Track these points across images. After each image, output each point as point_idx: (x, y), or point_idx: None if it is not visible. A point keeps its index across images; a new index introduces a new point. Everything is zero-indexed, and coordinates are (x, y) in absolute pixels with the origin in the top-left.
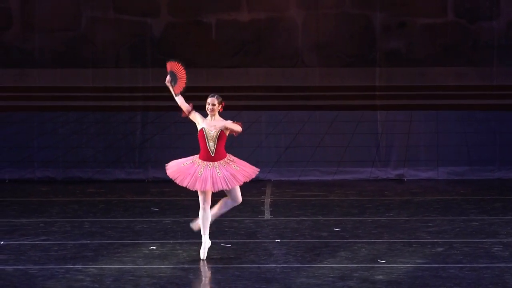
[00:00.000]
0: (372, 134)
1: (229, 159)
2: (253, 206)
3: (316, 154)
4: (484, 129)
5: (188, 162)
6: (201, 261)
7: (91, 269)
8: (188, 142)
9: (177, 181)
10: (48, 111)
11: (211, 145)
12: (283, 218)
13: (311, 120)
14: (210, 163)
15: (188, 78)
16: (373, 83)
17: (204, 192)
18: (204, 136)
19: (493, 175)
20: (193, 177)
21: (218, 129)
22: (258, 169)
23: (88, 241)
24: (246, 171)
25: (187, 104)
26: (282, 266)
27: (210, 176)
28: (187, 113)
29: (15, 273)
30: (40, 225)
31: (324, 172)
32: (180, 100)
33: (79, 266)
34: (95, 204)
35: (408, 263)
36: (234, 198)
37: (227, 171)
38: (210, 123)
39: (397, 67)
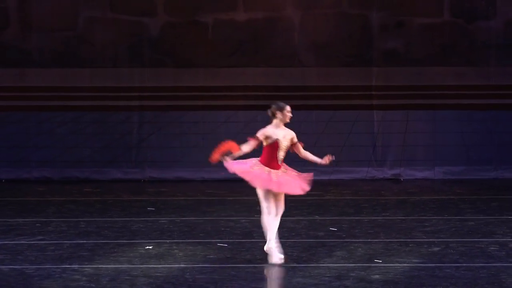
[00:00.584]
0: (369, 134)
1: (285, 168)
2: (248, 206)
3: (313, 154)
4: (481, 129)
5: (256, 168)
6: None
7: (87, 269)
8: (185, 141)
9: (253, 184)
10: (46, 111)
11: (281, 154)
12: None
13: (308, 120)
14: (274, 170)
15: (185, 78)
16: (370, 82)
17: (272, 199)
18: (278, 147)
19: (489, 174)
20: (270, 180)
21: (289, 140)
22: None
23: (84, 241)
24: (301, 180)
25: (252, 143)
26: (278, 266)
27: (285, 181)
28: (259, 143)
29: (11, 273)
30: (37, 224)
31: (321, 172)
32: (245, 149)
33: (75, 266)
34: (91, 204)
35: (404, 262)
36: (282, 206)
37: (293, 178)
38: (282, 134)
39: (395, 67)
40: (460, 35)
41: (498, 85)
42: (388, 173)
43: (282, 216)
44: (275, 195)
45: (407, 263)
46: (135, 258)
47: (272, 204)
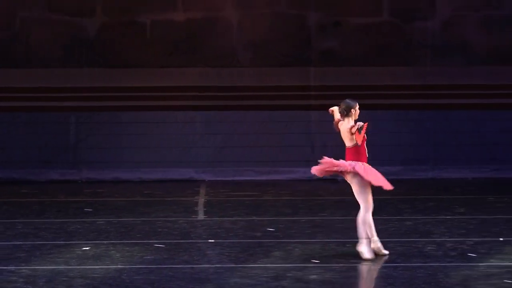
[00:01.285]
0: (306, 134)
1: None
2: (186, 207)
3: (251, 154)
4: (418, 129)
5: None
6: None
7: (24, 270)
8: (122, 142)
9: (375, 182)
10: None
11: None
12: (217, 218)
13: (246, 120)
14: (367, 165)
15: (123, 78)
16: (307, 82)
17: (369, 193)
18: (365, 141)
19: (426, 174)
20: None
21: None
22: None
23: (21, 242)
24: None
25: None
26: (216, 267)
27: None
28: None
29: None
30: None
31: (258, 172)
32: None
33: (12, 267)
34: (28, 205)
35: (341, 262)
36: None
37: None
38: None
39: (332, 67)
40: (397, 35)
41: (435, 85)
42: None
43: (219, 216)
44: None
45: (344, 263)
46: (72, 259)
47: (369, 203)
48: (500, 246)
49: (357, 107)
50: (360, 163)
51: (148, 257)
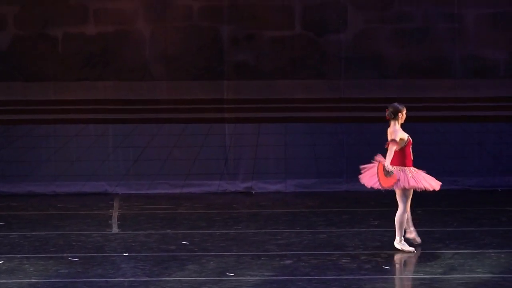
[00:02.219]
0: (220, 147)
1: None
2: (100, 220)
3: (165, 167)
4: (332, 142)
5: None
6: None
7: None
8: (36, 155)
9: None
10: None
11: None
12: (131, 232)
13: (159, 133)
14: (408, 168)
15: (35, 92)
16: (221, 95)
17: (410, 194)
18: (410, 145)
19: (340, 187)
20: (409, 178)
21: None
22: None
23: None
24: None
25: (394, 147)
26: (130, 280)
27: (421, 177)
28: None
29: None
30: None
31: (173, 185)
32: (390, 158)
33: None
34: None
35: (256, 275)
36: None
37: (425, 174)
38: (406, 132)
39: (245, 80)
40: (310, 48)
41: (349, 98)
42: (240, 186)
43: (133, 229)
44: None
45: (259, 276)
46: None
47: (409, 201)
48: (414, 259)
49: (405, 111)
50: (406, 168)
51: (63, 271)
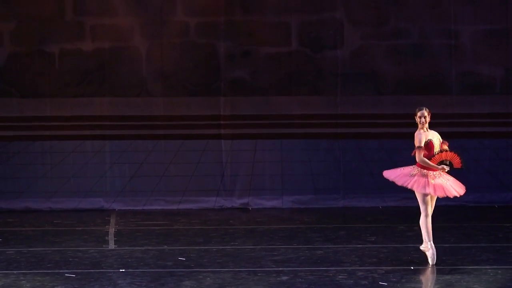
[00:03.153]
0: (217, 163)
1: (441, 171)
2: (97, 236)
3: (161, 184)
4: (328, 158)
5: (415, 173)
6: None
7: None
8: (32, 171)
9: (413, 189)
10: None
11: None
12: (128, 248)
13: (156, 149)
14: (432, 172)
15: (31, 108)
16: (218, 112)
17: (429, 200)
18: (433, 148)
19: (337, 203)
20: (428, 184)
21: (438, 140)
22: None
23: None
24: (456, 185)
25: (422, 154)
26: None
27: (442, 184)
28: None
29: None
30: None
31: (169, 202)
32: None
33: None
34: None
35: None
36: (433, 206)
37: (448, 180)
38: (431, 135)
39: (242, 96)
40: (307, 64)
41: (345, 114)
42: (236, 202)
43: (130, 245)
44: (431, 197)
45: None
46: None
47: (429, 206)
48: (411, 275)
49: (420, 114)
50: (431, 173)
51: (59, 287)
